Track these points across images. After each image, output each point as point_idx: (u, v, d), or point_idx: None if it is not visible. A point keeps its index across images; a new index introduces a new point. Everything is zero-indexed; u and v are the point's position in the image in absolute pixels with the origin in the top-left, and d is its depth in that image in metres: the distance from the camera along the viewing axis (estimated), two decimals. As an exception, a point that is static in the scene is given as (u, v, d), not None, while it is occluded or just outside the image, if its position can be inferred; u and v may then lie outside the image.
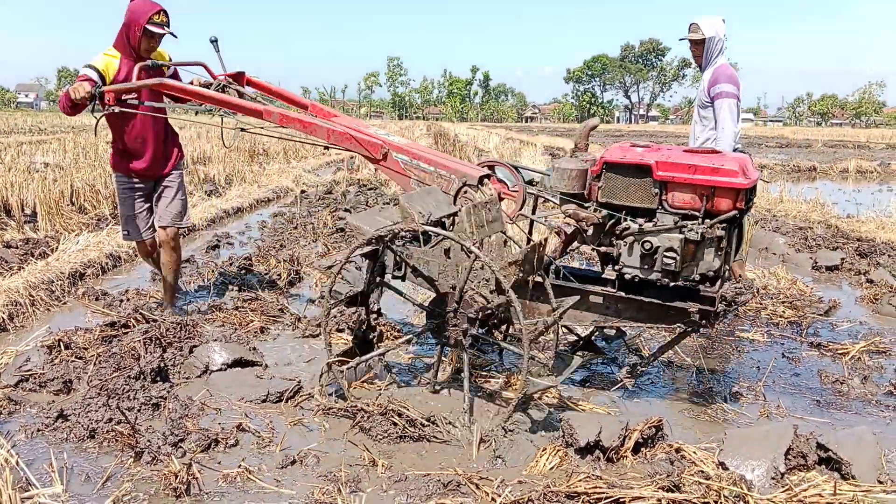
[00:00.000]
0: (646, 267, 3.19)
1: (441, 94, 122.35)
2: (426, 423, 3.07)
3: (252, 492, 2.65)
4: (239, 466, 2.80)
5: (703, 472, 2.72)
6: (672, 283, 3.18)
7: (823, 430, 3.16)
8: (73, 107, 4.24)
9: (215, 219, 8.95)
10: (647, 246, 3.15)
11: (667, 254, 3.12)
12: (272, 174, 13.57)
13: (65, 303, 5.13)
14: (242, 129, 4.44)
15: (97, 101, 4.26)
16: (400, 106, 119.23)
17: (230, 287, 5.41)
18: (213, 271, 5.83)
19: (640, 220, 3.21)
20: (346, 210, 9.07)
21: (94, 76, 4.32)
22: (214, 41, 4.58)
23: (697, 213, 3.10)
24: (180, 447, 2.91)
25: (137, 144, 4.57)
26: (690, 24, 5.12)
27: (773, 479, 2.76)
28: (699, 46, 5.10)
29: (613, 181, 3.27)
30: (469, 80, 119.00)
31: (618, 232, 3.27)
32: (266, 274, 5.80)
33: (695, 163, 3.05)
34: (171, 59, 4.70)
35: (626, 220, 3.24)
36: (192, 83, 4.51)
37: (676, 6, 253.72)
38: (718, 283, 3.19)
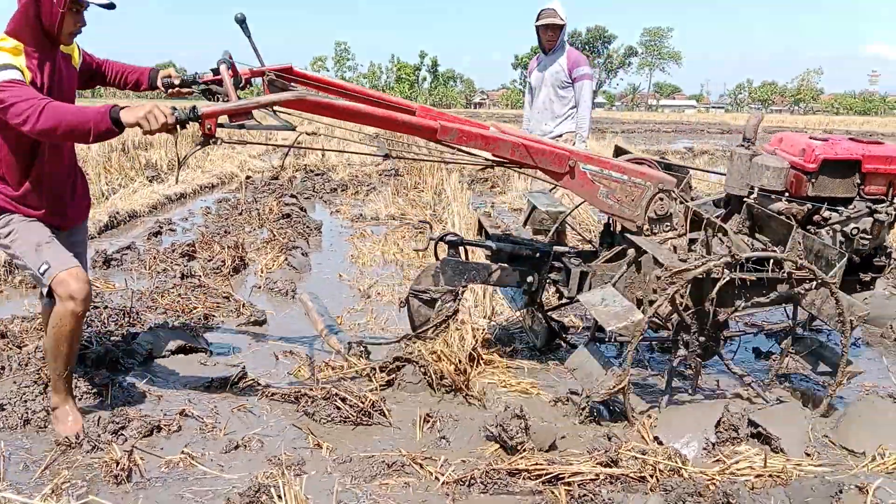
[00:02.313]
0: (844, 249, 3.49)
1: (389, 79, 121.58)
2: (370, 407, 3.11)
3: (195, 477, 2.65)
4: (182, 452, 2.79)
5: (639, 447, 2.80)
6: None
7: (756, 404, 3.28)
8: (105, 136, 2.67)
9: (157, 205, 8.79)
10: (853, 231, 3.44)
11: (862, 235, 3.44)
12: (217, 159, 13.35)
13: (1, 291, 5.00)
14: (387, 156, 3.59)
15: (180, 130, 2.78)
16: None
17: (173, 274, 5.34)
18: (154, 258, 5.74)
19: (840, 209, 3.50)
20: (292, 196, 9.00)
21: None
22: (242, 21, 3.16)
23: (885, 198, 3.50)
24: (122, 434, 2.88)
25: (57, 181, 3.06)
26: (546, 10, 5.46)
27: (704, 450, 2.87)
28: (556, 31, 5.51)
29: (827, 176, 3.48)
30: (417, 65, 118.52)
31: (818, 221, 3.49)
32: (210, 261, 5.74)
33: (891, 154, 3.45)
34: (82, 53, 3.20)
35: (826, 210, 3.49)
36: (202, 79, 3.31)
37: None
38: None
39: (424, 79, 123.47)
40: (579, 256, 3.74)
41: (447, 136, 3.17)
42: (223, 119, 2.88)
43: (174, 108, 2.69)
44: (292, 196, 8.99)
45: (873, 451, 2.90)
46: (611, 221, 3.81)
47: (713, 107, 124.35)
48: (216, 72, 3.22)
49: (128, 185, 9.84)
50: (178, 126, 2.72)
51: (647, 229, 3.45)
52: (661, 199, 3.44)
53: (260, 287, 5.22)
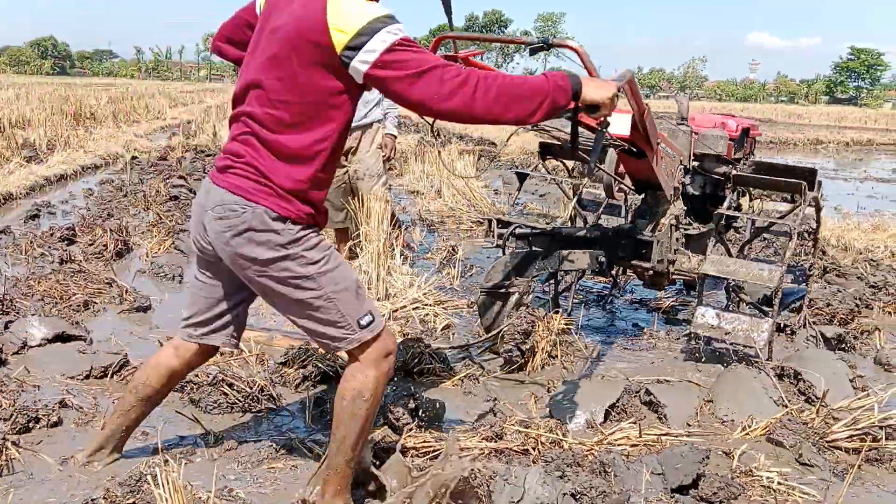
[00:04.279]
0: None
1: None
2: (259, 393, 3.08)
3: (74, 470, 2.56)
4: (61, 444, 2.69)
5: (524, 420, 2.90)
6: None
7: (649, 379, 3.46)
8: (553, 114, 2.11)
9: (35, 187, 8.36)
10: None
11: None
12: (100, 139, 12.77)
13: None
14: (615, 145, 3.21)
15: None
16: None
17: (51, 259, 5.09)
18: (31, 242, 5.45)
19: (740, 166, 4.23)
20: (181, 177, 8.71)
21: None
22: None
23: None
24: (-8, 428, 2.75)
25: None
26: None
27: (590, 427, 3.00)
28: None
29: (739, 142, 4.25)
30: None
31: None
32: (91, 245, 5.50)
33: (754, 124, 4.35)
34: None
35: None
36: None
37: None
38: None
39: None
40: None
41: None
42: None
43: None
44: (181, 177, 8.71)
45: (743, 420, 3.10)
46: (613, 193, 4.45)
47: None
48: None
49: (3, 165, 9.27)
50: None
51: (674, 199, 3.83)
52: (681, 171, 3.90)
53: (145, 272, 5.06)
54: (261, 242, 2.04)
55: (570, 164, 4.88)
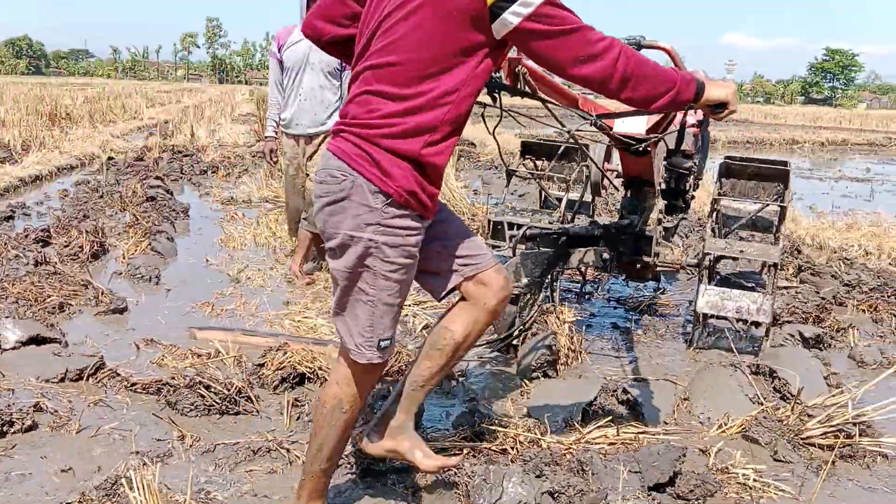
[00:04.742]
0: None
1: (265, 57, 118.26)
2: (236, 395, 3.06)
3: (48, 474, 2.53)
4: (35, 447, 2.66)
5: (502, 420, 2.91)
6: None
7: (626, 378, 3.48)
8: (674, 107, 2.13)
9: (9, 188, 8.23)
10: None
11: None
12: (76, 139, 12.62)
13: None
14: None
15: None
16: (220, 69, 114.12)
17: (25, 261, 5.03)
18: (5, 244, 5.37)
19: None
20: (158, 178, 8.64)
21: None
22: None
23: None
24: (-36, 433, 2.71)
25: None
26: None
27: (567, 426, 3.01)
28: None
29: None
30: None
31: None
32: (67, 246, 5.44)
33: None
34: None
35: None
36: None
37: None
38: None
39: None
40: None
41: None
42: None
43: None
44: (158, 178, 8.63)
45: (719, 418, 3.13)
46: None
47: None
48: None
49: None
50: None
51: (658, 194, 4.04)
52: None
53: (121, 273, 5.01)
54: (354, 216, 1.91)
55: (540, 163, 4.92)
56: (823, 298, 4.96)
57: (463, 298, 2.16)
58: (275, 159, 5.22)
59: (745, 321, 3.90)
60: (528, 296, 3.72)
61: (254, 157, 11.91)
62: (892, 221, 7.75)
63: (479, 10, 1.80)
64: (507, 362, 3.75)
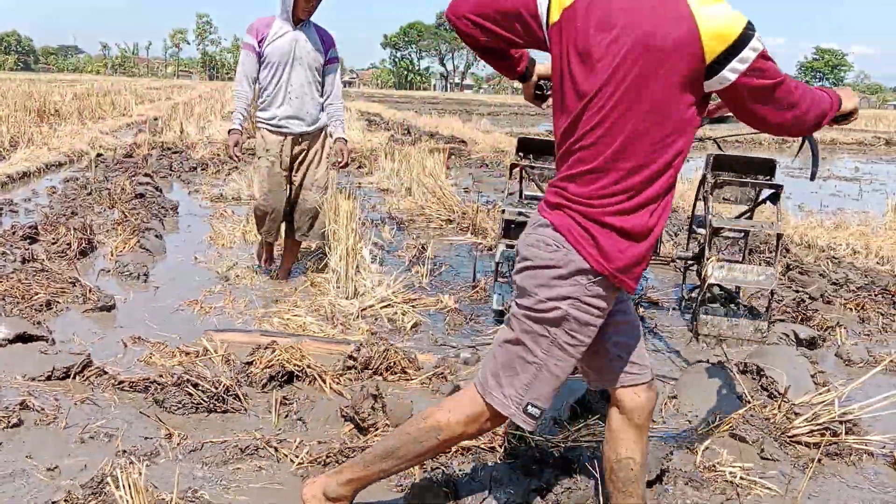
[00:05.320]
0: None
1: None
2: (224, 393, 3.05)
3: (35, 473, 2.52)
4: (21, 445, 2.64)
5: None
6: None
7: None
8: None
9: (-4, 185, 8.19)
10: None
11: None
12: (64, 136, 12.55)
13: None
14: None
15: None
16: (210, 66, 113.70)
17: (13, 258, 4.99)
18: (-8, 242, 5.35)
19: None
20: (147, 175, 8.60)
21: None
22: None
23: None
24: (-51, 431, 2.69)
25: None
26: None
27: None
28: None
29: None
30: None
31: None
32: (54, 243, 5.41)
33: None
34: None
35: None
36: None
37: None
38: None
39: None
40: None
41: None
42: None
43: None
44: (147, 175, 8.59)
45: (707, 416, 3.14)
46: None
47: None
48: None
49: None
50: None
51: None
52: None
53: (109, 271, 4.98)
54: (554, 287, 1.90)
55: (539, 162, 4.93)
56: (812, 298, 4.98)
57: (612, 404, 2.12)
58: (239, 154, 4.76)
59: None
60: None
61: (243, 153, 11.85)
62: (880, 221, 7.80)
63: (699, 71, 1.80)
64: (470, 359, 3.74)
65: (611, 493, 2.14)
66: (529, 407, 1.94)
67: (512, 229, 4.64)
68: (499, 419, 2.02)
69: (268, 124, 4.70)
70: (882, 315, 4.82)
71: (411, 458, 2.08)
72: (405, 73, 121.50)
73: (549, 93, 2.46)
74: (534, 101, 2.43)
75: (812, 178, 2.39)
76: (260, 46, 4.55)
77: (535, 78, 2.28)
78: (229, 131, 4.80)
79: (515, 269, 1.99)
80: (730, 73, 1.80)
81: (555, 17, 1.90)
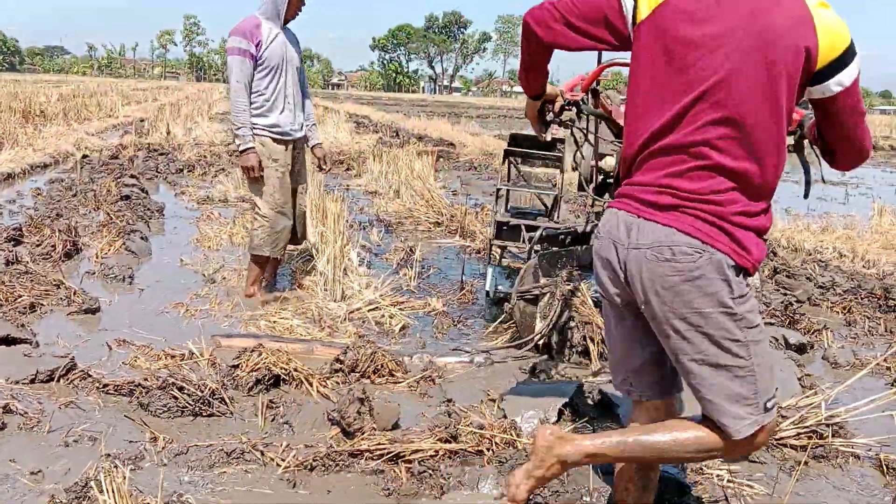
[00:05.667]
0: None
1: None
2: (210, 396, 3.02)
3: (17, 477, 2.49)
4: (4, 449, 2.61)
5: (478, 422, 2.90)
6: None
7: (602, 379, 3.49)
8: None
9: (-20, 186, 8.12)
10: None
11: None
12: (50, 137, 12.46)
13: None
14: None
15: None
16: (198, 67, 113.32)
17: (-4, 260, 4.94)
18: (-25, 243, 5.30)
19: None
20: (133, 176, 8.54)
21: None
22: None
23: None
24: (-70, 435, 2.65)
25: None
26: None
27: (542, 423, 3.01)
28: None
29: None
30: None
31: None
32: (39, 245, 5.36)
33: None
34: None
35: None
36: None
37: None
38: None
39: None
40: None
41: None
42: None
43: None
44: (133, 176, 8.54)
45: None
46: None
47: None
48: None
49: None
50: None
51: None
52: None
53: (94, 273, 4.94)
54: (709, 293, 1.80)
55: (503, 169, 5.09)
56: (799, 301, 5.01)
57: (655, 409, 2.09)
58: (261, 173, 4.44)
59: None
60: (548, 296, 3.75)
61: (231, 155, 11.83)
62: (866, 224, 7.86)
63: (808, 74, 1.80)
64: (483, 363, 3.74)
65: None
66: (769, 402, 1.87)
67: (504, 231, 4.67)
68: (765, 429, 1.90)
69: (270, 132, 4.44)
70: (868, 318, 4.85)
71: (663, 457, 2.02)
72: (394, 75, 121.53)
73: (550, 118, 2.53)
74: (537, 121, 2.45)
75: (805, 196, 2.42)
76: (259, 51, 4.35)
77: (544, 97, 2.33)
78: (245, 150, 4.38)
79: (654, 296, 1.85)
80: (835, 86, 1.81)
81: (643, 13, 1.87)
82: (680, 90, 1.82)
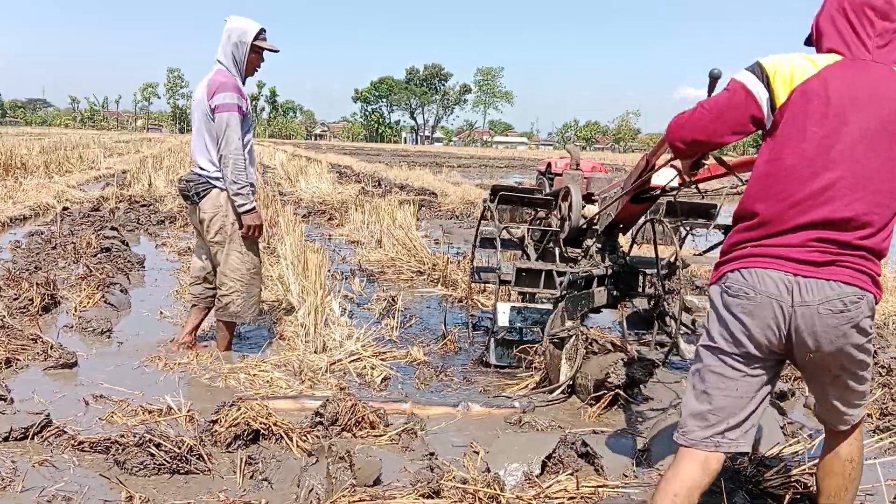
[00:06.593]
0: None
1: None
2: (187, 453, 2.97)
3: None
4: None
5: (461, 476, 2.86)
6: None
7: (585, 430, 3.46)
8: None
9: (-42, 239, 8.04)
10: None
11: None
12: (30, 189, 12.41)
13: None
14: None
15: None
16: (181, 119, 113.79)
17: (-29, 315, 4.87)
18: (-49, 298, 5.22)
19: None
20: (113, 228, 8.50)
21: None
22: (717, 77, 2.59)
23: None
24: None
25: None
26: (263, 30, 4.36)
27: (527, 480, 2.97)
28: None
29: None
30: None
31: None
32: (16, 299, 5.29)
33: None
34: None
35: None
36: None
37: (460, 33, 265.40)
38: None
39: (263, 109, 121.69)
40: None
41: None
42: None
43: None
44: (113, 228, 8.50)
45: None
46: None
47: (543, 144, 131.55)
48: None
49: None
50: None
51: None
52: None
53: (72, 327, 4.88)
54: (863, 329, 2.16)
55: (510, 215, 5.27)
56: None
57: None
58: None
59: None
60: (574, 338, 3.89)
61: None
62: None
63: None
64: (470, 415, 3.71)
65: None
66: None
67: (487, 243, 5.10)
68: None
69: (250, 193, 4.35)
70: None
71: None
72: (376, 126, 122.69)
73: (704, 161, 2.87)
74: (690, 166, 2.86)
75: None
76: (245, 108, 4.30)
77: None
78: (251, 210, 4.29)
79: (828, 345, 2.16)
80: None
81: (781, 98, 2.16)
82: (822, 149, 2.14)
